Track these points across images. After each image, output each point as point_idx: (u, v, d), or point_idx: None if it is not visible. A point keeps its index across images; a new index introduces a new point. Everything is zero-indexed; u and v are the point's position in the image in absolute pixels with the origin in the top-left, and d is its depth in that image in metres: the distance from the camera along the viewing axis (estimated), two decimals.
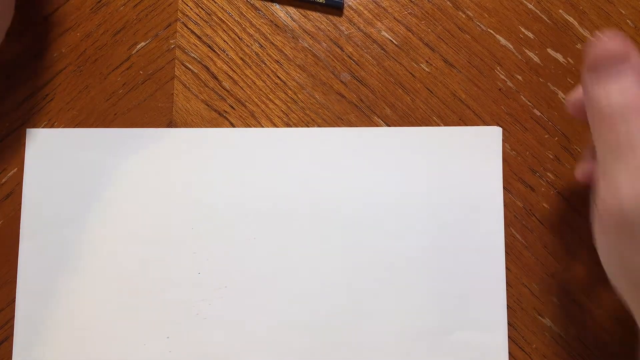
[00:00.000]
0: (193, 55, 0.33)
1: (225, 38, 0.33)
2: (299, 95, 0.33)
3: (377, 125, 0.32)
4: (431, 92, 0.33)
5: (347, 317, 0.31)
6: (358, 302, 0.31)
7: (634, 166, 0.21)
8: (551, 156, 0.32)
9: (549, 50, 0.32)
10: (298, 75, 0.33)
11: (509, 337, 0.31)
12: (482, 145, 0.32)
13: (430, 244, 0.31)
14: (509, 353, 0.30)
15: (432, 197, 0.31)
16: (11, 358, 0.31)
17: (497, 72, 0.33)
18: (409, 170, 0.32)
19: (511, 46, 0.33)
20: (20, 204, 0.32)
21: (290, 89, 0.33)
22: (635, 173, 0.21)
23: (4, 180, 0.32)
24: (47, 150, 0.32)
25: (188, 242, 0.31)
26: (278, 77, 0.33)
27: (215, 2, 0.33)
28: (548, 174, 0.32)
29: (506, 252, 0.31)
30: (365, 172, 0.32)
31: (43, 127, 0.32)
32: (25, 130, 0.32)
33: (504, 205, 0.31)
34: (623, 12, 0.33)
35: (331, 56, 0.33)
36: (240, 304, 0.31)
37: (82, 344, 0.31)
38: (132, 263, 0.31)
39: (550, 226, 0.32)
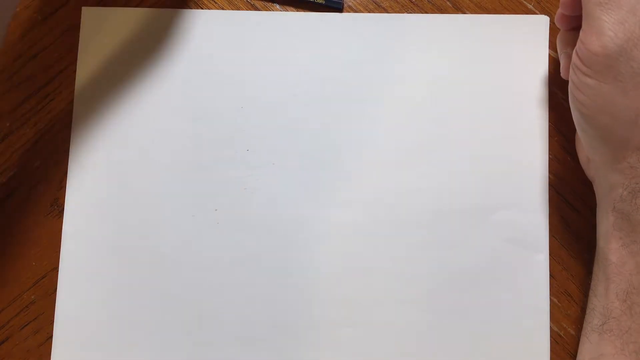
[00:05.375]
0: None
1: None
2: None
3: None
4: None
5: (391, 195, 0.31)
6: (403, 179, 0.32)
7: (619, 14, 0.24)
8: (550, 156, 0.32)
9: (549, 50, 0.32)
10: None
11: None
12: (528, 34, 0.32)
13: (474, 127, 0.32)
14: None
15: (477, 84, 0.32)
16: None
17: None
18: (453, 57, 0.32)
19: None
20: (22, 205, 0.32)
21: None
22: (620, 18, 0.24)
23: (4, 180, 0.32)
24: (100, 28, 0.33)
25: (237, 121, 0.32)
26: None
27: (216, 2, 0.33)
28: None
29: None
30: (410, 58, 0.32)
31: (44, 125, 0.32)
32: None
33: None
34: None
35: None
36: (286, 180, 0.31)
37: (133, 210, 0.31)
38: (182, 139, 0.32)
39: None
